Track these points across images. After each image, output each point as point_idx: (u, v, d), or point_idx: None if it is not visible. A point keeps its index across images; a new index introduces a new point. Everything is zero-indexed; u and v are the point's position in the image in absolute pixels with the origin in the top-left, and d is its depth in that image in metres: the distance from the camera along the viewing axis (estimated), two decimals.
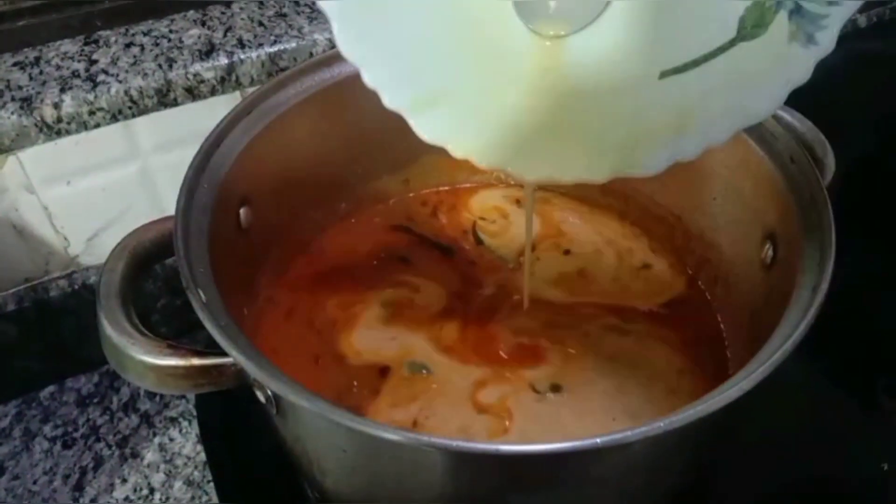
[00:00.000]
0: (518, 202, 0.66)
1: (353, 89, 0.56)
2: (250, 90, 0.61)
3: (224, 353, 0.39)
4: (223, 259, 0.46)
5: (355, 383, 0.52)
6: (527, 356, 0.53)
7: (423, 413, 0.50)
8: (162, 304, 0.67)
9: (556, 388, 0.51)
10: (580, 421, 0.49)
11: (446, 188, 0.66)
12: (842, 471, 0.55)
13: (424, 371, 0.52)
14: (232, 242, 0.50)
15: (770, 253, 0.49)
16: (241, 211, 0.51)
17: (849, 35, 0.89)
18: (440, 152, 0.63)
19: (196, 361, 0.40)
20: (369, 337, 0.55)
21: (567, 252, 0.62)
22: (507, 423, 0.49)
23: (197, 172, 0.47)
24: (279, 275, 0.58)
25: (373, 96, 0.58)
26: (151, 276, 0.65)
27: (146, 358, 0.40)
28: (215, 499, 0.56)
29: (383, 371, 0.53)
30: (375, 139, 0.60)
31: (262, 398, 0.41)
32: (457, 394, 0.51)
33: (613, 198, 0.64)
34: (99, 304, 0.42)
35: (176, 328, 0.67)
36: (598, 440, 0.32)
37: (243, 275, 0.53)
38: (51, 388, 0.63)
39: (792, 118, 0.53)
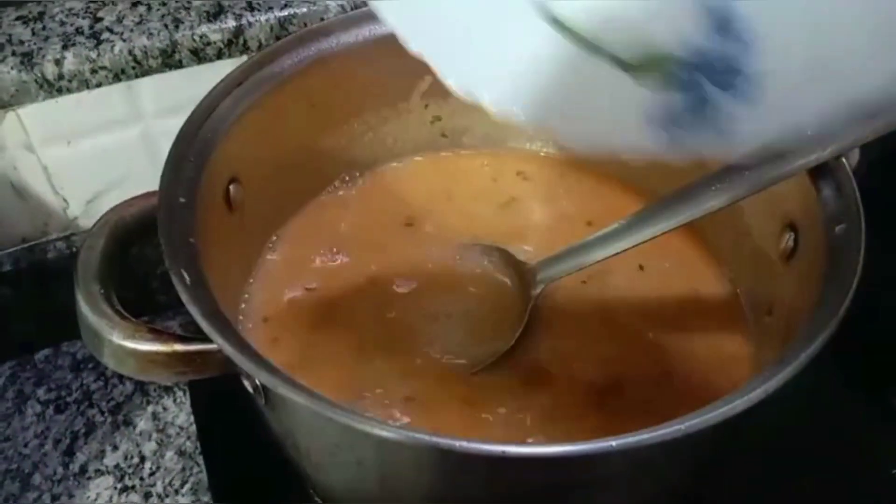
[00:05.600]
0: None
1: (352, 60, 0.52)
2: None
3: (210, 340, 0.35)
4: (210, 239, 0.42)
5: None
6: None
7: None
8: (162, 271, 0.62)
9: None
10: None
11: None
12: (852, 476, 0.51)
13: None
14: (220, 221, 0.45)
15: (790, 244, 0.45)
16: (231, 188, 0.47)
17: None
18: (443, 129, 0.59)
19: (179, 348, 0.36)
20: None
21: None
22: None
23: (184, 145, 0.42)
24: (271, 257, 0.54)
25: (372, 68, 0.53)
26: (152, 243, 0.61)
27: (126, 342, 0.36)
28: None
29: None
30: (375, 114, 0.55)
31: (249, 388, 0.36)
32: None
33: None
34: (76, 284, 0.38)
35: (176, 296, 0.63)
36: (613, 443, 0.28)
37: (232, 256, 0.48)
38: (46, 352, 0.59)
39: None
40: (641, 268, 0.53)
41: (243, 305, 0.51)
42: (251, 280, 0.52)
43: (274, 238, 0.55)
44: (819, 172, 0.43)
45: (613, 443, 0.28)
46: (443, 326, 0.50)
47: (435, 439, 0.28)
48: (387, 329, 0.50)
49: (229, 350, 0.33)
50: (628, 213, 0.53)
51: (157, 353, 0.36)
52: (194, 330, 0.36)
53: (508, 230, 0.56)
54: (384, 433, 0.29)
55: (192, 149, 0.43)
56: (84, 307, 0.37)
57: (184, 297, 0.35)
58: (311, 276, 0.53)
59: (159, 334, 0.36)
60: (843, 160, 0.42)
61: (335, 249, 0.55)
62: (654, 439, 0.28)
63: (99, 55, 0.53)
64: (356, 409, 0.31)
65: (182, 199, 0.41)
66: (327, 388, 0.35)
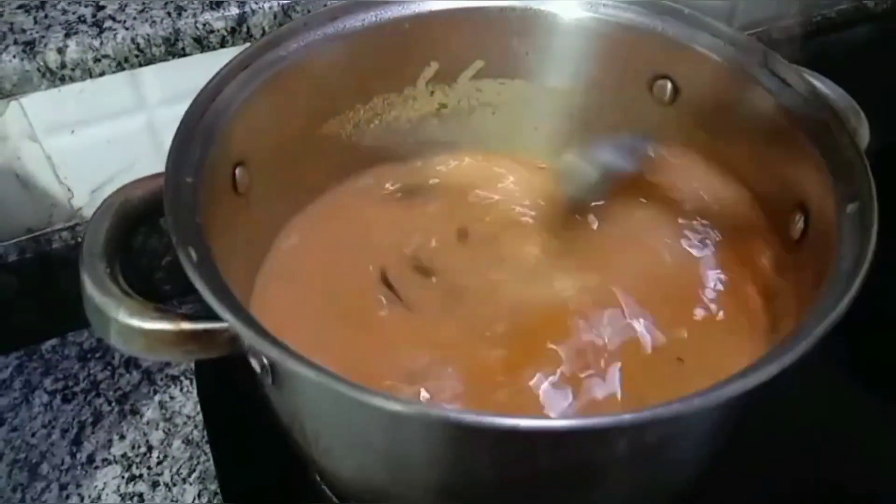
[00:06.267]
0: None
1: (357, 45, 0.51)
2: None
3: (217, 318, 0.34)
4: (217, 223, 0.41)
5: None
6: None
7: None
8: (167, 262, 0.62)
9: None
10: None
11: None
12: (859, 469, 0.49)
13: None
14: (227, 205, 0.44)
15: (801, 226, 0.44)
16: (237, 171, 0.45)
17: (877, 14, 0.84)
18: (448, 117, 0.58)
19: (186, 326, 0.35)
20: None
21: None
22: None
23: (189, 127, 0.41)
24: (279, 241, 0.53)
25: (378, 53, 0.53)
26: (156, 232, 0.60)
27: (132, 321, 0.35)
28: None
29: None
30: (381, 100, 0.55)
31: (257, 367, 0.35)
32: None
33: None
34: (81, 264, 0.37)
35: (181, 286, 0.62)
36: (626, 416, 0.27)
37: (238, 243, 0.47)
38: (52, 342, 0.58)
39: (824, 85, 0.47)
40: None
41: (250, 293, 0.50)
42: (259, 269, 0.52)
43: (282, 227, 0.54)
44: (830, 152, 0.42)
45: (626, 416, 0.27)
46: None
47: (447, 413, 0.28)
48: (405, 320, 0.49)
49: (237, 326, 0.32)
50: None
51: (164, 332, 0.35)
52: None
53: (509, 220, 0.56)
54: (395, 406, 0.28)
55: (197, 131, 0.42)
56: (89, 287, 0.36)
57: (190, 275, 0.34)
58: (318, 269, 0.52)
59: (166, 312, 0.36)
60: (856, 140, 0.42)
61: (345, 240, 0.54)
62: (669, 413, 0.27)
63: (102, 43, 0.52)
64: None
65: (189, 179, 0.40)
66: None
